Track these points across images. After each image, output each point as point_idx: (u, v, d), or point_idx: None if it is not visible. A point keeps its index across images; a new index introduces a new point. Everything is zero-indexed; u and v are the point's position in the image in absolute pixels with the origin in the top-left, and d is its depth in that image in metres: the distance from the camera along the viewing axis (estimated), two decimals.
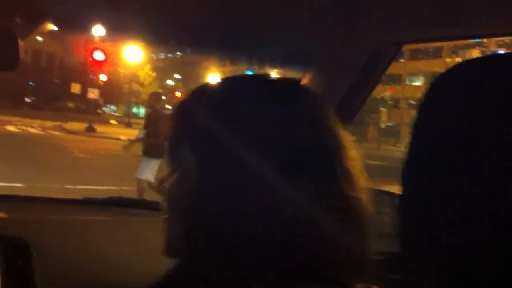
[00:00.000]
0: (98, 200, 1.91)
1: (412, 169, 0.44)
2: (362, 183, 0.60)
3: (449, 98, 0.42)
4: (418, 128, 0.44)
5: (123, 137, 21.17)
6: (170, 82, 47.77)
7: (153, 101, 6.62)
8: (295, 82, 0.67)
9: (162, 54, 50.94)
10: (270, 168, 0.56)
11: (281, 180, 0.56)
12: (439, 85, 0.44)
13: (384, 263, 0.64)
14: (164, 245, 0.65)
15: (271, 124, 0.59)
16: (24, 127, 22.50)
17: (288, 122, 0.59)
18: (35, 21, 1.48)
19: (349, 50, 1.40)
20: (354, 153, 0.61)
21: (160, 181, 5.27)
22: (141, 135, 6.67)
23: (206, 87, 0.69)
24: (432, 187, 0.41)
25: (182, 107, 0.67)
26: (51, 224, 1.60)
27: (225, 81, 0.69)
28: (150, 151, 6.20)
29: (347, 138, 0.62)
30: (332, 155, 0.59)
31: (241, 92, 0.63)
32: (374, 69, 1.43)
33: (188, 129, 0.63)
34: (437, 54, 39.59)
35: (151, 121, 6.32)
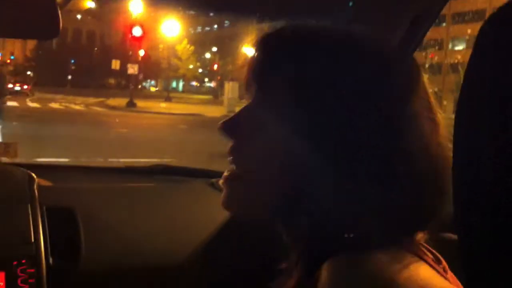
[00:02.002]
0: (140, 168, 1.94)
1: (462, 128, 0.41)
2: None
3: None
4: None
5: (163, 111, 21.51)
6: (207, 55, 47.85)
7: None
8: None
9: (199, 27, 51.01)
10: None
11: None
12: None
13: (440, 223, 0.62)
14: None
15: None
16: (67, 104, 23.03)
17: None
18: None
19: (387, 15, 1.35)
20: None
21: None
22: None
23: None
24: (484, 143, 0.38)
25: None
26: (95, 192, 1.62)
27: None
28: None
29: None
30: None
31: None
32: (413, 32, 1.37)
33: None
34: (481, 17, 38.35)
35: None
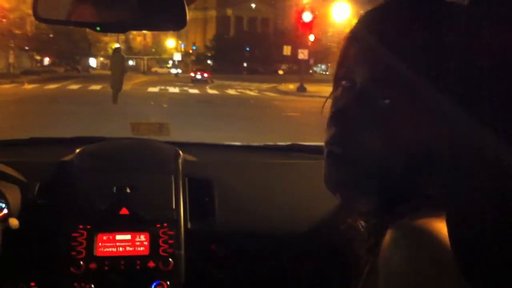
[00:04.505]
0: (277, 146, 2.05)
1: None
2: None
3: None
4: None
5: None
6: None
7: None
8: None
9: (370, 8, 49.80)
10: None
11: None
12: None
13: None
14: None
15: None
16: (242, 90, 24.25)
17: None
18: None
19: None
20: None
21: None
22: None
23: None
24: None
25: None
26: (232, 166, 1.78)
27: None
28: None
29: None
30: None
31: None
32: None
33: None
34: None
35: None
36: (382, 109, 0.63)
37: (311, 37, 26.21)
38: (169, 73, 44.71)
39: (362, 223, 0.72)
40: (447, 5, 0.63)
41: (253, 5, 53.11)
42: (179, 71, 43.35)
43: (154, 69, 50.61)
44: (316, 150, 1.93)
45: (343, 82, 0.69)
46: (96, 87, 21.33)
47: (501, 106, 0.37)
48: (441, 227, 0.53)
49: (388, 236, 0.57)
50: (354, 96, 0.66)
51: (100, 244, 1.45)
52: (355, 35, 0.69)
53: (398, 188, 0.64)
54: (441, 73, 0.58)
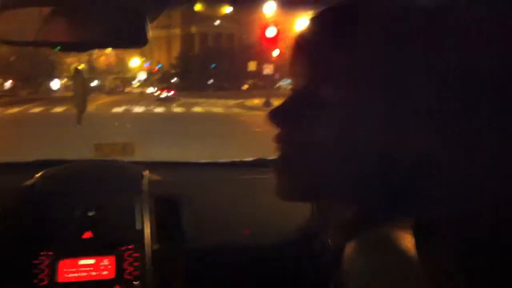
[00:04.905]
0: (246, 162, 2.05)
1: None
2: None
3: None
4: None
5: None
6: None
7: None
8: None
9: None
10: None
11: None
12: None
13: None
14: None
15: None
16: (209, 107, 24.19)
17: None
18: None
19: None
20: None
21: None
22: None
23: None
24: None
25: None
26: (199, 185, 1.76)
27: None
28: None
29: None
30: None
31: None
32: None
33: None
34: None
35: None
36: (326, 108, 0.62)
37: (276, 52, 26.40)
38: (142, 92, 43.82)
39: (330, 234, 0.71)
40: (378, 7, 0.63)
41: (218, 22, 53.32)
42: (153, 89, 42.69)
43: (127, 89, 49.65)
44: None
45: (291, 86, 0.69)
46: (59, 109, 20.97)
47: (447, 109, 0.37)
48: (403, 235, 0.52)
49: (351, 246, 0.56)
50: (298, 96, 0.66)
51: (63, 270, 1.41)
52: (299, 40, 0.68)
53: (353, 192, 0.63)
54: (381, 73, 0.58)
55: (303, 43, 0.66)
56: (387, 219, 0.56)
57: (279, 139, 0.67)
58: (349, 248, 0.56)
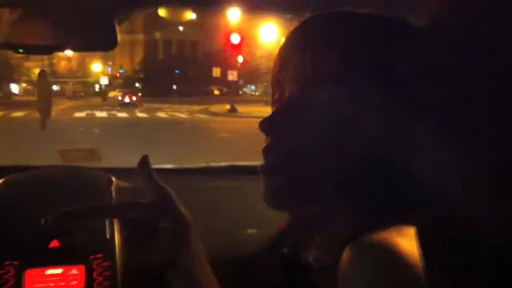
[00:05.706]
0: (215, 168, 2.02)
1: None
2: None
3: None
4: None
5: (264, 115, 21.81)
6: None
7: None
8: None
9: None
10: None
11: None
12: None
13: None
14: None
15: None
16: (173, 113, 24.05)
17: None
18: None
19: None
20: None
21: None
22: None
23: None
24: None
25: None
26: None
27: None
28: None
29: None
30: None
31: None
32: None
33: None
34: None
35: None
36: (312, 111, 0.62)
37: (240, 59, 26.47)
38: (113, 99, 42.84)
39: (314, 242, 0.70)
40: (358, 16, 0.66)
41: (181, 28, 53.15)
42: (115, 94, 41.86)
43: (111, 95, 47.82)
44: (253, 170, 1.92)
45: (276, 96, 0.70)
46: (19, 113, 20.50)
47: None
48: (400, 241, 0.51)
49: (345, 255, 0.55)
50: (284, 103, 0.67)
51: (29, 280, 1.36)
52: (282, 50, 0.69)
53: (345, 195, 0.62)
54: (369, 77, 0.59)
55: (291, 52, 0.67)
56: (378, 226, 0.55)
57: (272, 146, 0.67)
58: (343, 257, 0.55)
